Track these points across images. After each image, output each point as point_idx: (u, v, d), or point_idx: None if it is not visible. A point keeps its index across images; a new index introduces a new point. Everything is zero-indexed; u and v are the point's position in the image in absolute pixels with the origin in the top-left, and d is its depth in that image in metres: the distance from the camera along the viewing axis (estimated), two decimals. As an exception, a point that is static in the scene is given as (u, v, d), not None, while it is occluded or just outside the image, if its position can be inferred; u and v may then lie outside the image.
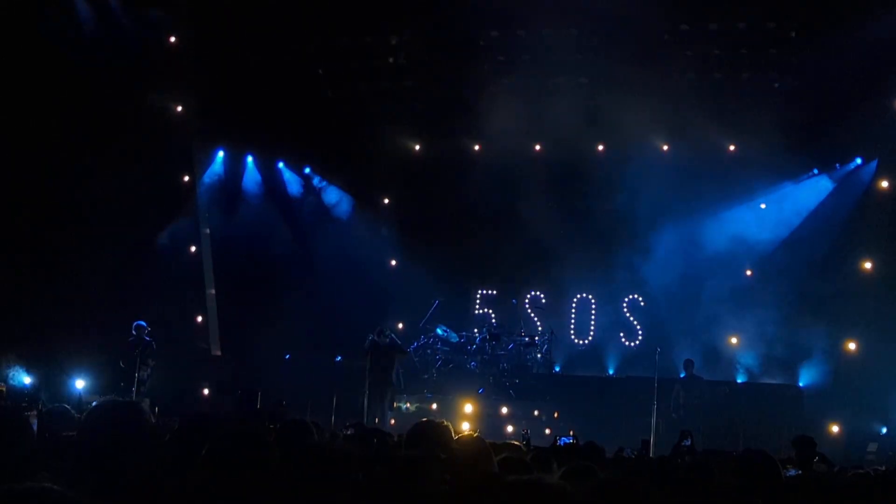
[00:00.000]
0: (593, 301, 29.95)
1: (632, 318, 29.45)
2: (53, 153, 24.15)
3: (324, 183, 31.02)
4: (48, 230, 24.50)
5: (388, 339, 25.66)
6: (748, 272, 28.21)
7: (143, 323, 24.57)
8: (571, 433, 19.98)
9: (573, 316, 30.17)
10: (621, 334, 29.50)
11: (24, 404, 11.16)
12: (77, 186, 24.60)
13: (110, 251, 25.23)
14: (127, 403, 7.64)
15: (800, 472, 12.66)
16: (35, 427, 9.02)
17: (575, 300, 30.08)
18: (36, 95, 23.55)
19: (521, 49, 27.13)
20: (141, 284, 26.25)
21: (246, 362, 27.83)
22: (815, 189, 28.05)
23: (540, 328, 29.57)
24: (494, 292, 30.80)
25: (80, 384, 23.31)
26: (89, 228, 24.85)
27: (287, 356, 29.20)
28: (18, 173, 23.47)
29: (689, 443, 19.10)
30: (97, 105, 24.55)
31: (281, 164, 30.57)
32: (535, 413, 27.21)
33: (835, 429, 24.99)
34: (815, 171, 27.91)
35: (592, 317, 29.99)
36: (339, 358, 29.49)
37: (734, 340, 27.86)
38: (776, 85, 26.67)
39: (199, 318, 28.84)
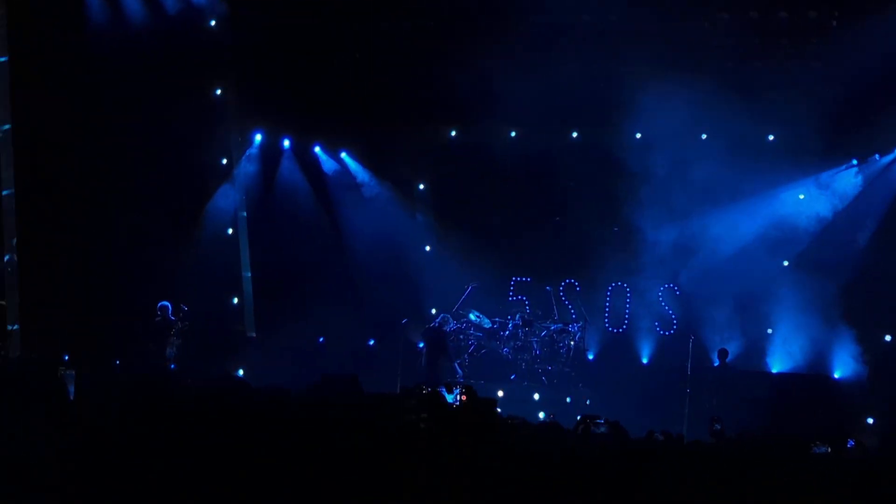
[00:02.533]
0: (628, 289, 29.84)
1: (666, 307, 29.33)
2: (92, 139, 24.31)
3: (360, 167, 31.01)
4: (87, 214, 24.65)
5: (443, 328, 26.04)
6: (785, 262, 28.09)
7: (167, 303, 24.95)
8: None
9: (608, 304, 30.05)
10: (656, 323, 29.37)
11: (62, 368, 11.25)
12: (116, 170, 24.77)
13: (148, 234, 25.39)
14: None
15: (829, 449, 12.69)
16: (72, 391, 9.13)
17: (610, 288, 29.96)
18: (75, 82, 23.70)
19: (561, 35, 27.04)
20: (178, 267, 26.43)
21: (280, 345, 27.88)
22: (853, 180, 27.89)
23: (574, 315, 29.49)
24: (529, 279, 30.68)
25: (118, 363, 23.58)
26: (128, 212, 25.02)
27: (321, 339, 29.32)
28: (55, 160, 23.60)
29: (719, 427, 19.12)
30: (137, 89, 24.69)
31: (318, 148, 30.60)
32: (567, 400, 27.27)
33: (869, 420, 24.93)
34: (855, 162, 27.74)
35: (627, 305, 29.87)
36: (373, 342, 29.62)
37: (769, 331, 27.79)
38: (816, 75, 26.47)
39: (235, 300, 28.99)
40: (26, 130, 22.41)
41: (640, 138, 28.42)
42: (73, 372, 9.99)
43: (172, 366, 24.77)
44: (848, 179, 27.95)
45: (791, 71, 26.61)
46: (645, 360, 29.05)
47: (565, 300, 29.80)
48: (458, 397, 12.78)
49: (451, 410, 9.07)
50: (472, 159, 30.62)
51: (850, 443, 16.10)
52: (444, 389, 14.19)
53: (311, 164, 30.58)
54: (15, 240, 22.31)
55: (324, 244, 29.92)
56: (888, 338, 26.05)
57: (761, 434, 16.25)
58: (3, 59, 22.11)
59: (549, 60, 27.73)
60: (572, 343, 28.69)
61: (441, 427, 8.45)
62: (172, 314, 25.35)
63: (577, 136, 29.76)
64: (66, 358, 20.90)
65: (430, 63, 28.82)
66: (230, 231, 28.71)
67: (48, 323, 22.42)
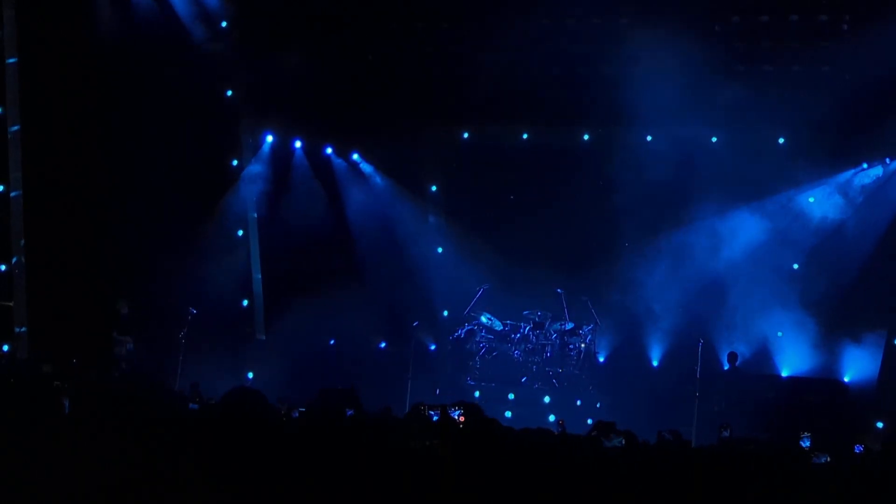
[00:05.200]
0: (639, 292, 29.68)
1: (677, 310, 29.16)
2: (101, 141, 24.30)
3: (371, 169, 30.98)
4: (95, 215, 24.62)
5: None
6: (795, 265, 27.99)
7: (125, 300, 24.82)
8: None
9: (618, 306, 29.88)
10: (665, 325, 29.24)
11: (57, 383, 11.21)
12: (125, 172, 24.76)
13: (158, 236, 25.38)
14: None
15: (828, 458, 12.64)
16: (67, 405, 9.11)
17: (620, 290, 29.79)
18: (84, 84, 23.69)
19: (570, 38, 27.04)
20: (188, 269, 26.39)
21: (291, 347, 27.86)
22: (863, 183, 27.75)
23: (584, 318, 29.36)
24: (541, 280, 30.55)
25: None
26: (137, 214, 25.01)
27: (332, 341, 29.29)
28: (64, 162, 23.58)
29: (727, 434, 19.10)
30: (147, 91, 24.70)
31: (329, 150, 30.56)
32: (578, 403, 27.25)
33: (879, 424, 24.84)
34: (865, 165, 27.58)
35: (637, 307, 29.68)
36: (384, 344, 29.60)
37: (779, 334, 27.68)
38: (826, 78, 26.37)
39: (245, 303, 28.98)
40: (34, 132, 22.43)
41: (651, 141, 28.42)
42: (69, 384, 9.97)
43: (125, 368, 24.45)
44: (858, 182, 27.83)
45: (802, 74, 26.57)
46: (655, 364, 28.90)
47: (576, 302, 29.60)
48: (458, 419, 12.65)
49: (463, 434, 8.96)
50: (484, 161, 30.63)
51: (859, 448, 16.06)
52: (435, 412, 14.13)
53: (322, 166, 30.52)
54: (23, 241, 22.34)
55: (334, 246, 29.88)
56: (899, 341, 25.93)
57: (764, 441, 16.18)
58: (11, 61, 22.14)
59: (561, 63, 27.76)
60: (583, 346, 28.64)
61: (455, 452, 8.39)
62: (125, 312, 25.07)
63: (588, 139, 29.70)
64: (74, 361, 20.95)
65: (443, 65, 28.80)
66: (240, 233, 28.70)
67: (56, 325, 22.41)
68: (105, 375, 20.90)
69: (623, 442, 12.06)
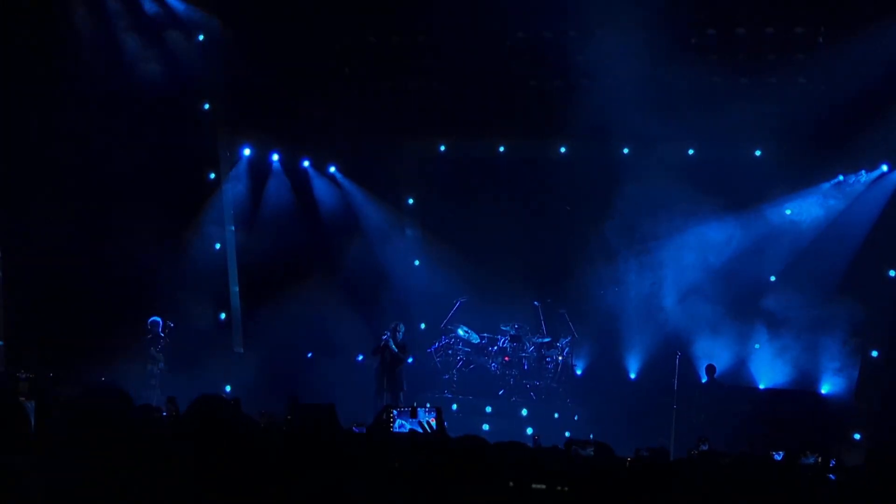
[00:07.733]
0: (616, 305, 29.69)
1: (654, 322, 29.17)
2: (78, 153, 24.22)
3: (349, 182, 30.92)
4: (73, 229, 24.55)
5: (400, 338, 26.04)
6: (772, 278, 28.04)
7: (158, 319, 24.83)
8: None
9: (595, 319, 29.86)
10: (643, 338, 29.26)
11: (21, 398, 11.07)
12: (102, 185, 24.69)
13: (135, 249, 25.30)
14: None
15: (819, 458, 12.65)
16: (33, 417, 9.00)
17: (598, 303, 29.78)
18: (61, 95, 23.62)
19: (547, 51, 27.05)
20: (166, 282, 26.35)
21: (268, 360, 27.81)
22: (840, 195, 27.80)
23: (562, 331, 29.34)
24: (518, 293, 30.53)
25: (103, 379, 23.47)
26: (114, 227, 24.94)
27: (309, 354, 29.24)
28: (39, 175, 23.49)
29: (706, 447, 19.09)
30: (124, 104, 24.64)
31: (306, 163, 30.50)
32: (555, 416, 27.24)
33: (856, 436, 24.92)
34: (841, 178, 27.63)
35: (615, 320, 29.68)
36: (361, 357, 29.53)
37: (756, 346, 27.73)
38: (803, 90, 26.41)
39: (223, 316, 28.90)
40: (8, 143, 22.35)
41: (628, 153, 28.46)
42: (33, 402, 9.86)
43: (154, 380, 24.59)
44: (834, 195, 27.89)
45: (778, 86, 26.58)
46: (632, 376, 28.90)
47: (553, 315, 29.59)
48: (428, 423, 12.55)
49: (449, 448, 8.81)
50: (461, 173, 30.57)
51: (831, 462, 16.08)
52: (406, 414, 14.05)
53: (300, 179, 30.46)
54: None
55: (312, 259, 29.80)
56: (875, 353, 25.96)
57: (742, 453, 16.16)
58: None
59: (537, 75, 27.77)
60: (560, 358, 28.58)
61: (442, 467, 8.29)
62: (162, 330, 25.25)
63: (564, 151, 29.70)
64: (51, 375, 20.86)
65: (420, 77, 28.79)
66: (218, 246, 28.61)
67: (32, 339, 22.33)
68: (76, 389, 20.81)
69: (593, 451, 12.07)
